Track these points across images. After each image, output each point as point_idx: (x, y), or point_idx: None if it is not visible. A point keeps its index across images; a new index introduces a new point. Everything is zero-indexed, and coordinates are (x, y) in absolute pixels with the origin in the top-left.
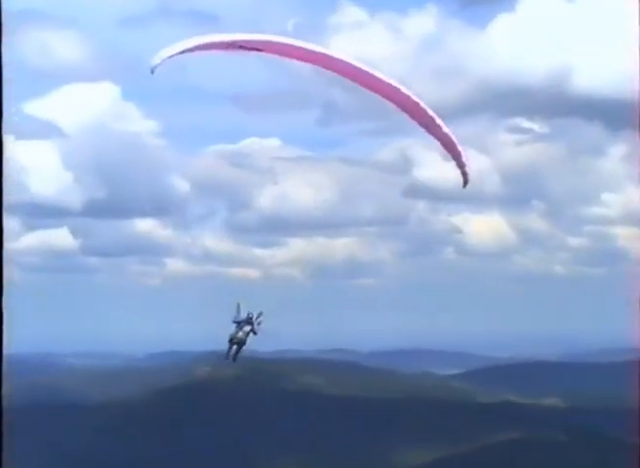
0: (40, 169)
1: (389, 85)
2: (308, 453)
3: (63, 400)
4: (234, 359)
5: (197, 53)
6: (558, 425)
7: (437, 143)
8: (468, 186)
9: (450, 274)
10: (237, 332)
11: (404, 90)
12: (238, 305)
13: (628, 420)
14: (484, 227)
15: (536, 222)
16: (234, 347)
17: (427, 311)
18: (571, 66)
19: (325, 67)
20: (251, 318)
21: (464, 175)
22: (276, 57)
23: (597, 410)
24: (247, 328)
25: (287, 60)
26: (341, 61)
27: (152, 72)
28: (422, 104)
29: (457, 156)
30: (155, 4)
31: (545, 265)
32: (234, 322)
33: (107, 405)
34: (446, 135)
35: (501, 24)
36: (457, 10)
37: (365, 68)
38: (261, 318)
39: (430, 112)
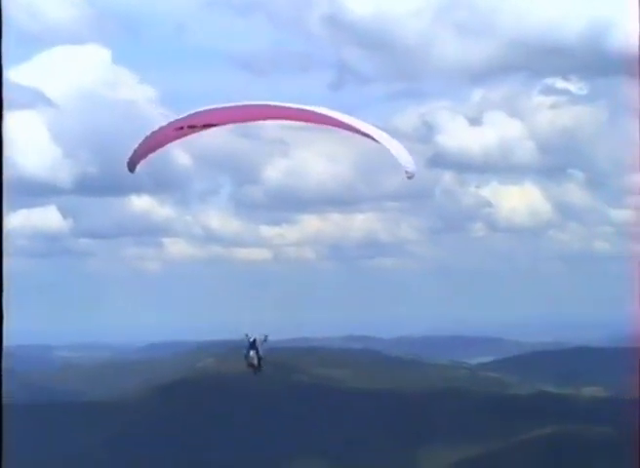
0: (25, 142)
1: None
2: (326, 453)
3: (55, 397)
4: (259, 370)
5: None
6: (601, 418)
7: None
8: (498, 154)
9: (479, 253)
10: (247, 358)
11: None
12: (246, 335)
13: None
14: (516, 200)
15: (574, 194)
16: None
17: (455, 294)
18: (611, 20)
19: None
20: (254, 342)
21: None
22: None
23: None
24: (252, 353)
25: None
26: (290, 109)
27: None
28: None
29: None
30: None
31: (586, 242)
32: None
33: (103, 401)
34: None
35: None
36: None
37: (315, 110)
38: (267, 339)
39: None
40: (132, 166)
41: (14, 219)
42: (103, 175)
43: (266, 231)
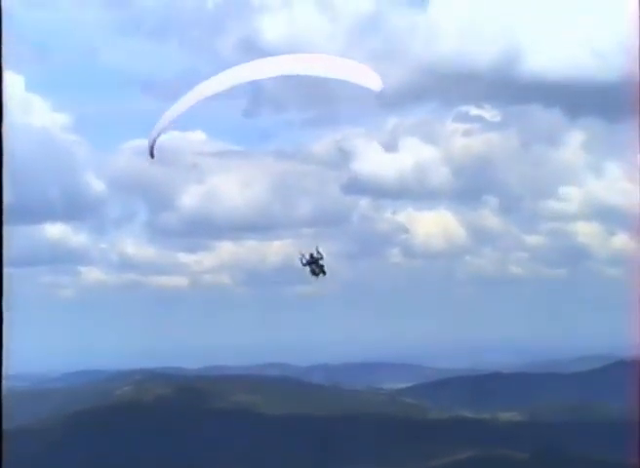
0: None
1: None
2: None
3: None
4: (324, 273)
5: None
6: (517, 442)
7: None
8: (413, 180)
9: (396, 278)
10: (312, 270)
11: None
12: (301, 253)
13: (594, 434)
14: (432, 226)
15: (488, 219)
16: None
17: (372, 320)
18: (522, 48)
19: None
20: (312, 257)
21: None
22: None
23: (559, 424)
24: (312, 266)
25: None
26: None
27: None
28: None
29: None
30: None
31: (501, 266)
32: (303, 265)
33: (17, 431)
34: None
35: (445, 2)
36: None
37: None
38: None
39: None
40: (151, 151)
41: None
42: (16, 203)
43: (183, 258)
